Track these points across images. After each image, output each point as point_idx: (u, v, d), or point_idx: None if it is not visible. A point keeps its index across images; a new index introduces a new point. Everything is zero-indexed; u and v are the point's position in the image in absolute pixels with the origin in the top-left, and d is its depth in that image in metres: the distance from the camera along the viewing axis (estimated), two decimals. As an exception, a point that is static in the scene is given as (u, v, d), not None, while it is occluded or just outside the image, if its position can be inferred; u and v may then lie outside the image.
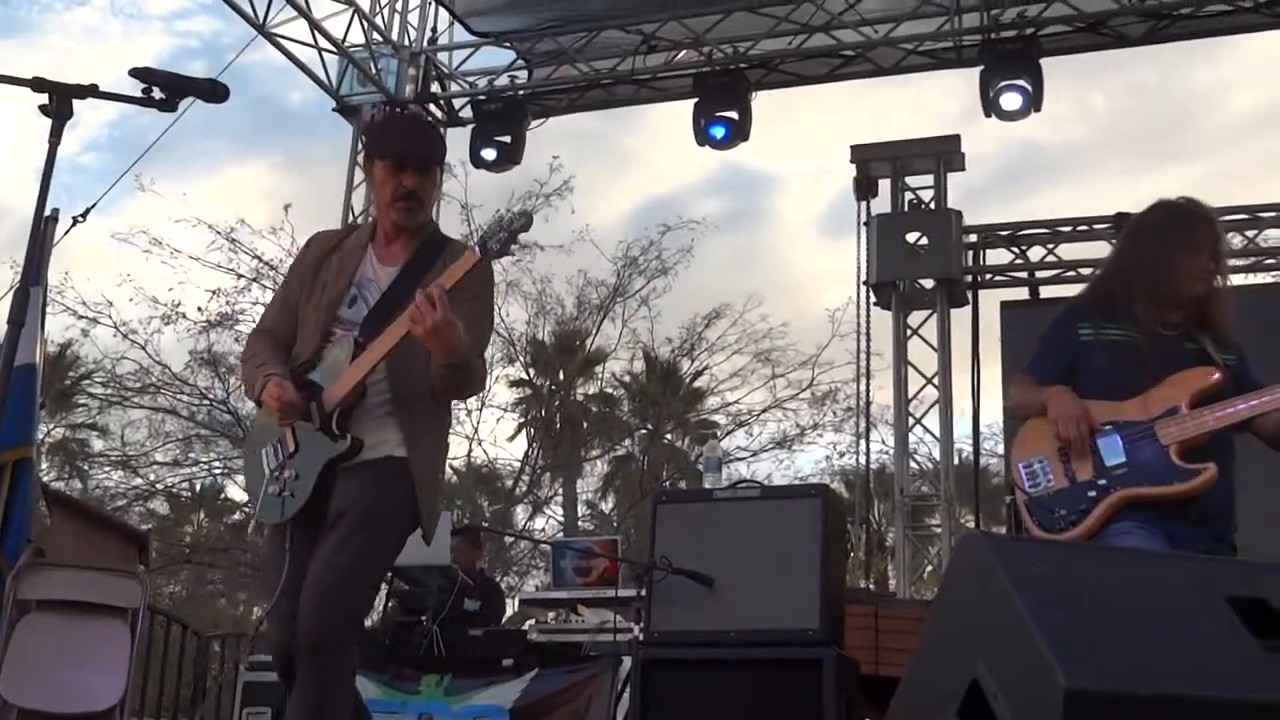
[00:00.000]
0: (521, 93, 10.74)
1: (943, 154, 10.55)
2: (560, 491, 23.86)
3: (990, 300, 10.51)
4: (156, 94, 3.20)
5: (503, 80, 10.89)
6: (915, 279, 10.56)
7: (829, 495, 4.75)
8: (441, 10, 10.75)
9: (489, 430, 22.02)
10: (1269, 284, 10.26)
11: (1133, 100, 30.91)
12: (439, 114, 10.93)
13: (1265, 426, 3.51)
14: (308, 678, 3.30)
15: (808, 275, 33.30)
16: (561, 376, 23.79)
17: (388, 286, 3.60)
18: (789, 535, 4.56)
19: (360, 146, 10.59)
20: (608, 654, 6.00)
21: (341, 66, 10.55)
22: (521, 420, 23.88)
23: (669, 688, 4.53)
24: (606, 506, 25.06)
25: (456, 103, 10.96)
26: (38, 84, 3.11)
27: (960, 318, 10.48)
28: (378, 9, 10.64)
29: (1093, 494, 3.48)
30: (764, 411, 22.55)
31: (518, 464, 22.65)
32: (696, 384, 24.06)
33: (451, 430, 3.95)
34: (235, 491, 23.48)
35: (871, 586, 10.59)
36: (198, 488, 23.62)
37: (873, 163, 10.64)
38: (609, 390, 24.82)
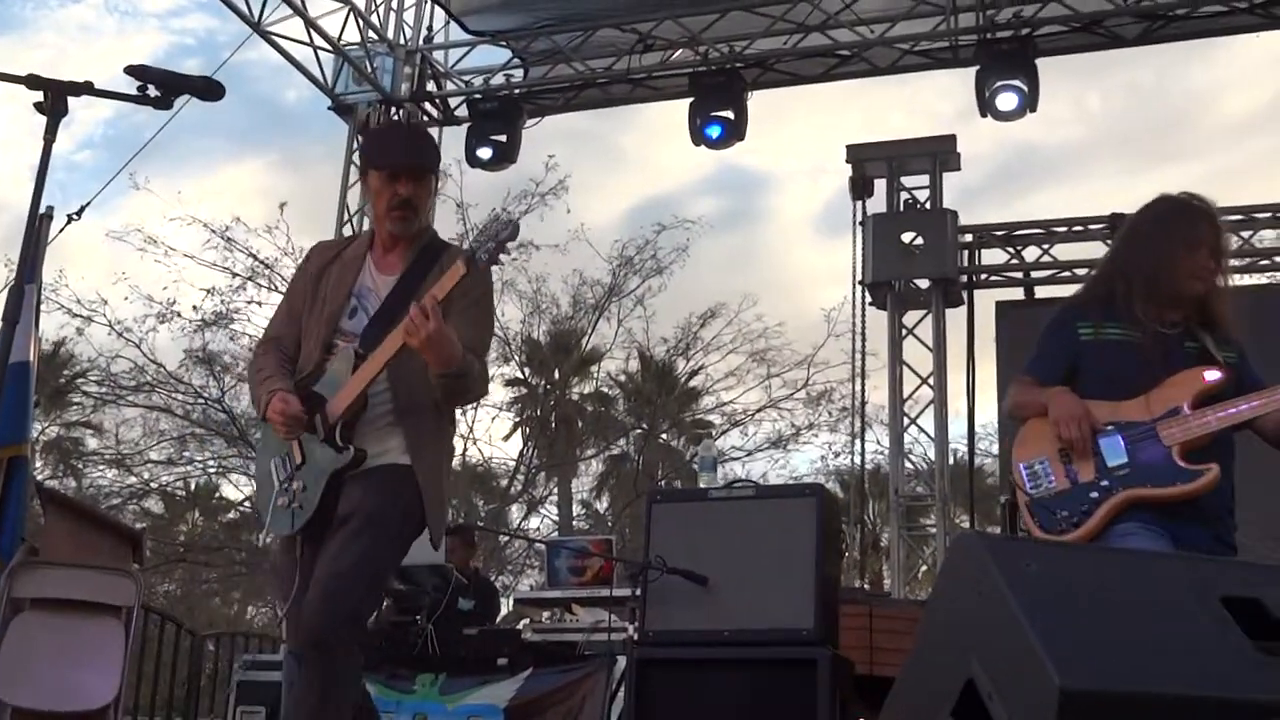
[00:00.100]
0: (517, 91, 10.73)
1: (938, 154, 10.56)
2: (555, 491, 23.89)
3: (985, 300, 10.54)
4: (152, 92, 3.19)
5: (498, 79, 10.88)
6: (910, 279, 10.57)
7: (824, 495, 4.75)
8: (437, 9, 10.75)
9: (484, 429, 22.06)
10: (1264, 285, 10.28)
11: (1128, 100, 31.01)
12: (434, 113, 10.94)
13: (1267, 426, 3.49)
14: (309, 676, 3.34)
15: (803, 275, 33.38)
16: (557, 376, 23.82)
17: (385, 297, 3.63)
18: (784, 535, 4.56)
19: (356, 151, 10.61)
20: (602, 653, 6.00)
21: (337, 65, 10.54)
22: (517, 419, 23.92)
23: (663, 687, 4.52)
24: (601, 506, 25.09)
25: (452, 101, 10.96)
26: (32, 81, 3.10)
27: (955, 318, 10.51)
28: (373, 7, 10.63)
29: (1095, 495, 3.45)
30: (759, 411, 22.59)
31: (513, 463, 22.68)
32: (692, 383, 24.11)
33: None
34: (230, 490, 23.49)
35: (866, 586, 10.58)
36: (192, 486, 23.65)
37: (868, 162, 10.65)
38: (604, 389, 24.86)
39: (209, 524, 24.81)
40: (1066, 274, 10.48)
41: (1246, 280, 10.18)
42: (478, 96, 10.71)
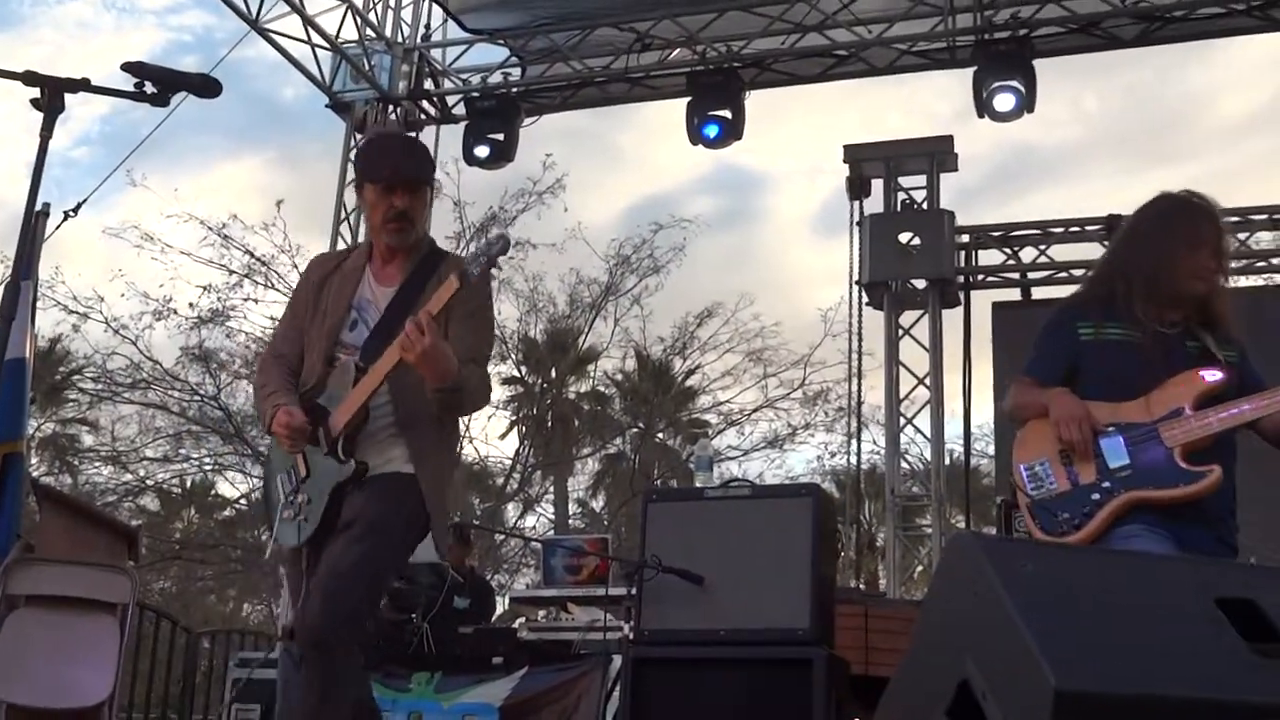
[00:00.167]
0: (515, 90, 10.72)
1: (936, 154, 10.56)
2: (551, 489, 23.90)
3: (982, 301, 10.56)
4: (149, 89, 3.19)
5: (496, 77, 10.86)
6: (907, 279, 10.58)
7: (820, 495, 4.75)
8: (435, 7, 10.74)
9: (480, 428, 22.01)
10: (1260, 287, 10.29)
11: (1126, 102, 31.01)
12: (432, 111, 10.93)
13: (1268, 427, 3.46)
14: (309, 676, 3.38)
15: (800, 275, 33.38)
16: (553, 374, 23.82)
17: (385, 309, 3.67)
18: (780, 535, 4.56)
19: (353, 151, 10.61)
20: (598, 652, 6.00)
21: (335, 63, 10.52)
22: (513, 418, 23.90)
23: (659, 686, 4.53)
24: (597, 505, 25.10)
25: (450, 100, 10.94)
26: (29, 78, 3.10)
27: (952, 318, 10.52)
28: (371, 5, 10.61)
29: (1096, 497, 3.42)
30: (755, 411, 22.62)
31: (509, 462, 22.69)
32: (688, 383, 24.13)
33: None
34: (225, 488, 23.49)
35: (862, 586, 10.56)
36: (188, 484, 23.63)
37: (866, 162, 10.66)
38: (601, 388, 24.85)
39: (205, 521, 24.79)
40: (1063, 275, 10.50)
41: (1243, 282, 10.19)
42: (475, 95, 10.69)
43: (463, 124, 10.62)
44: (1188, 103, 31.00)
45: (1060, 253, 10.51)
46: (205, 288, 19.30)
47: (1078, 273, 10.25)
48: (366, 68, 10.45)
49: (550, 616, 7.28)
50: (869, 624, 5.45)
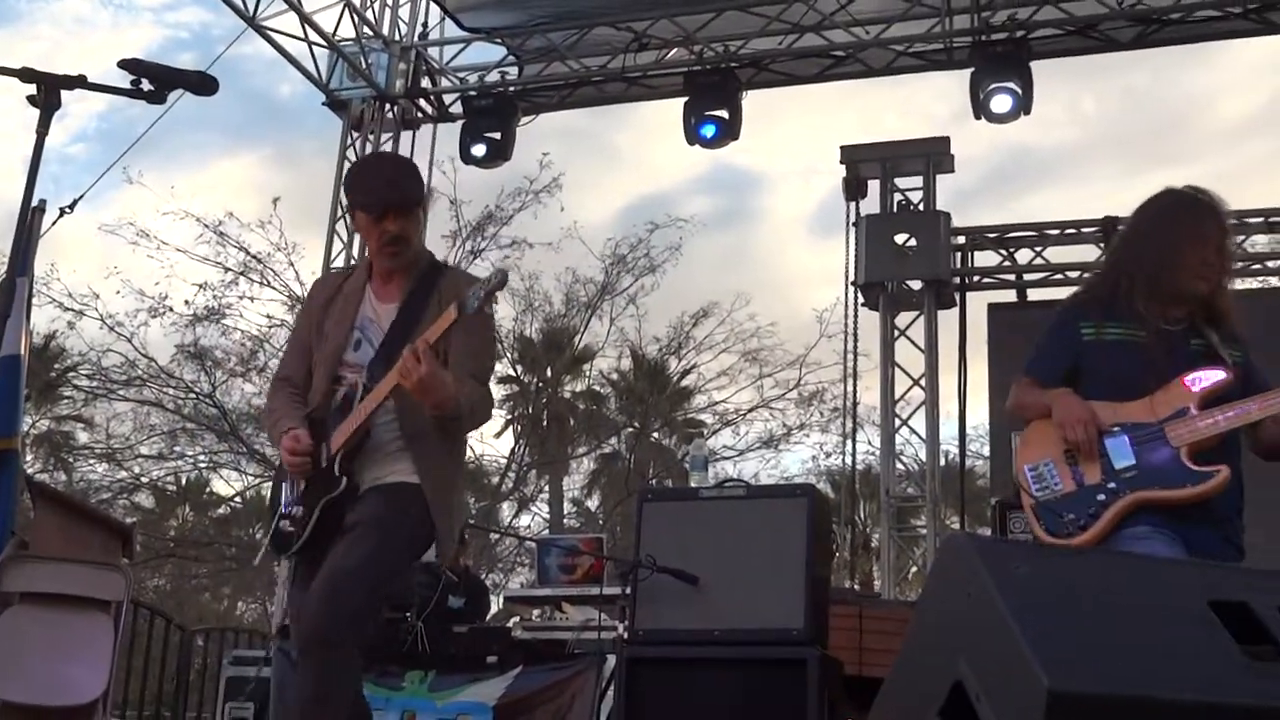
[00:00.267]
0: (512, 89, 10.72)
1: (932, 155, 10.57)
2: (546, 489, 23.88)
3: (978, 302, 10.57)
4: (145, 86, 3.19)
5: (493, 76, 10.86)
6: (903, 280, 10.58)
7: (815, 495, 4.75)
8: (432, 5, 10.73)
9: (476, 426, 21.93)
10: (1256, 289, 10.30)
11: (1123, 104, 31.03)
12: (429, 109, 10.93)
13: (1265, 435, 3.43)
14: (308, 672, 3.42)
15: (796, 275, 33.38)
16: (549, 374, 23.81)
17: (388, 329, 3.73)
18: (775, 535, 4.56)
19: (349, 148, 10.61)
20: (592, 652, 5.99)
21: (332, 60, 10.52)
22: (508, 417, 23.90)
23: (653, 686, 4.53)
24: (592, 504, 25.12)
25: (447, 98, 10.94)
26: (26, 74, 3.09)
27: (948, 319, 10.53)
28: (368, 3, 10.61)
29: (1102, 497, 3.39)
30: (751, 411, 22.64)
31: (504, 461, 22.68)
32: (684, 382, 24.12)
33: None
34: (221, 485, 23.50)
35: (856, 587, 10.58)
36: (183, 481, 23.62)
37: (862, 163, 10.66)
38: (596, 388, 24.85)
39: (199, 519, 24.79)
40: (1059, 277, 10.52)
41: (1239, 285, 10.20)
42: (472, 93, 10.69)
43: (460, 122, 10.62)
44: (1185, 105, 31.06)
45: (1056, 255, 10.53)
46: (201, 285, 19.32)
47: (1073, 275, 10.27)
48: (364, 66, 10.44)
49: (545, 616, 7.27)
50: (863, 624, 5.46)
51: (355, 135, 10.69)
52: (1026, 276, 10.66)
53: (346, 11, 10.24)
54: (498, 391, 23.32)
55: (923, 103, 32.35)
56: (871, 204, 10.62)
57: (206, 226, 19.18)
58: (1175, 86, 30.70)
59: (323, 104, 10.70)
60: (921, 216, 10.40)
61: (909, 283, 10.60)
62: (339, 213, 10.46)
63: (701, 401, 24.00)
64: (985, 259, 10.74)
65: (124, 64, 3.20)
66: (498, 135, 10.43)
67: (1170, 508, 3.35)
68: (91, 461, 22.25)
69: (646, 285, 21.84)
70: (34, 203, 3.44)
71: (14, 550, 4.83)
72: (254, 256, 19.37)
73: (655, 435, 24.57)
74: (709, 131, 9.84)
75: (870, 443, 14.61)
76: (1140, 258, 3.63)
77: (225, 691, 6.83)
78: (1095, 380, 3.57)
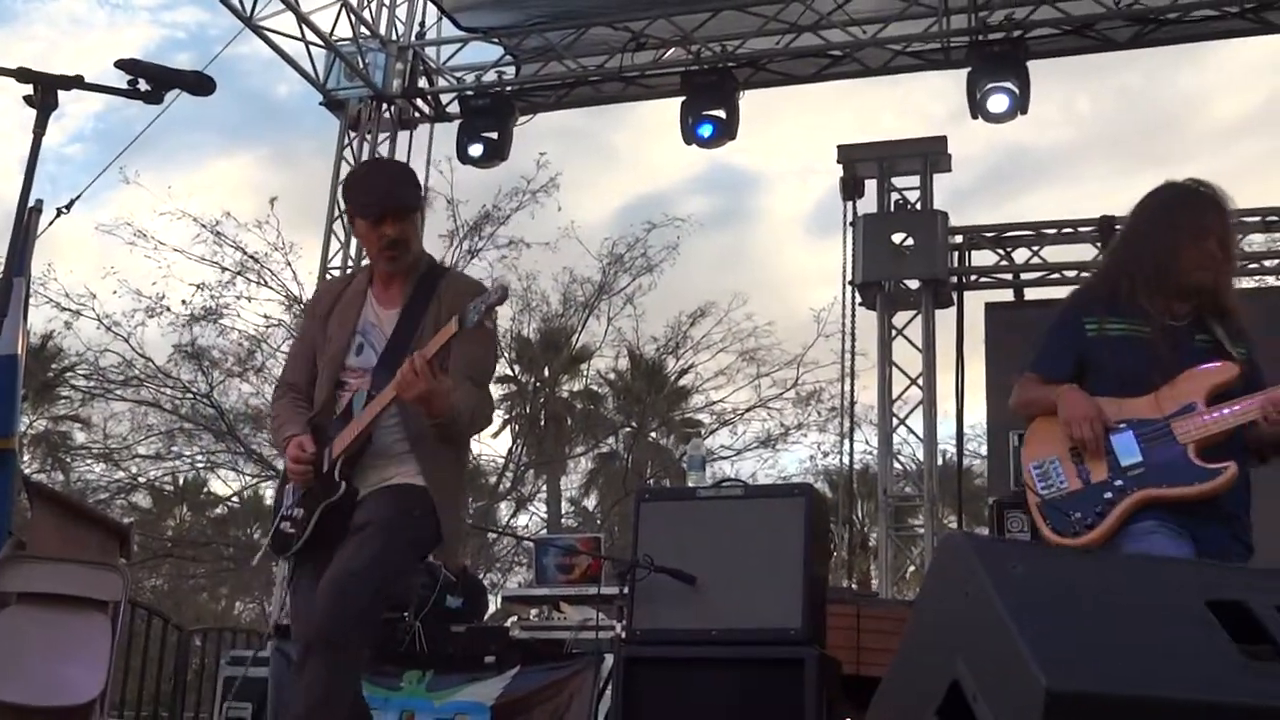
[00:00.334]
0: (509, 89, 10.71)
1: (929, 155, 10.56)
2: (544, 488, 23.87)
3: (975, 301, 10.56)
4: (142, 86, 3.18)
5: (490, 76, 10.85)
6: (900, 279, 10.57)
7: (813, 495, 4.75)
8: (429, 5, 10.72)
9: (474, 426, 21.89)
10: (1253, 289, 10.30)
11: (1119, 103, 31.03)
12: (426, 109, 10.92)
13: (1264, 430, 3.39)
14: (314, 672, 3.41)
15: (793, 274, 33.38)
16: (546, 373, 23.79)
17: (391, 334, 3.77)
18: (772, 534, 4.56)
19: (346, 148, 10.61)
20: (590, 652, 5.99)
21: (329, 60, 10.51)
22: (506, 417, 23.87)
23: (651, 686, 4.53)
24: (590, 504, 25.09)
25: (444, 98, 10.93)
26: (22, 74, 3.09)
27: (945, 319, 10.51)
28: (366, 3, 10.60)
29: (1109, 495, 3.37)
30: (748, 410, 22.63)
31: (501, 460, 22.66)
32: (681, 382, 24.10)
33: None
34: (218, 485, 23.49)
35: (854, 586, 10.58)
36: (180, 481, 23.58)
37: (859, 163, 10.65)
38: (594, 387, 24.84)
39: (197, 519, 24.76)
40: (1056, 276, 10.51)
41: (1236, 284, 10.18)
42: (469, 93, 10.69)
43: (457, 122, 10.61)
44: (1181, 105, 31.07)
45: (1053, 254, 10.52)
46: (198, 285, 19.30)
47: (1070, 274, 10.27)
48: (361, 65, 10.44)
49: (542, 615, 7.27)
50: (861, 624, 5.47)
51: (352, 135, 10.69)
52: (1023, 276, 10.65)
53: (343, 11, 10.24)
54: (495, 391, 23.30)
55: (920, 102, 32.40)
56: (869, 203, 10.61)
57: (204, 226, 19.19)
58: (1171, 86, 30.71)
59: (320, 104, 10.70)
60: (918, 216, 10.40)
61: (906, 282, 10.59)
62: (336, 212, 10.45)
63: (699, 401, 24.03)
64: (982, 258, 10.73)
65: (121, 64, 3.20)
66: (495, 135, 10.42)
67: (1178, 505, 3.32)
68: (89, 461, 22.25)
69: (644, 285, 21.86)
70: (31, 203, 3.44)
71: (11, 550, 4.83)
72: (251, 256, 19.37)
73: (653, 435, 24.56)
74: (706, 131, 9.84)
75: (868, 442, 14.64)
76: (1142, 253, 3.60)
77: (223, 691, 6.81)
78: (1100, 376, 3.55)
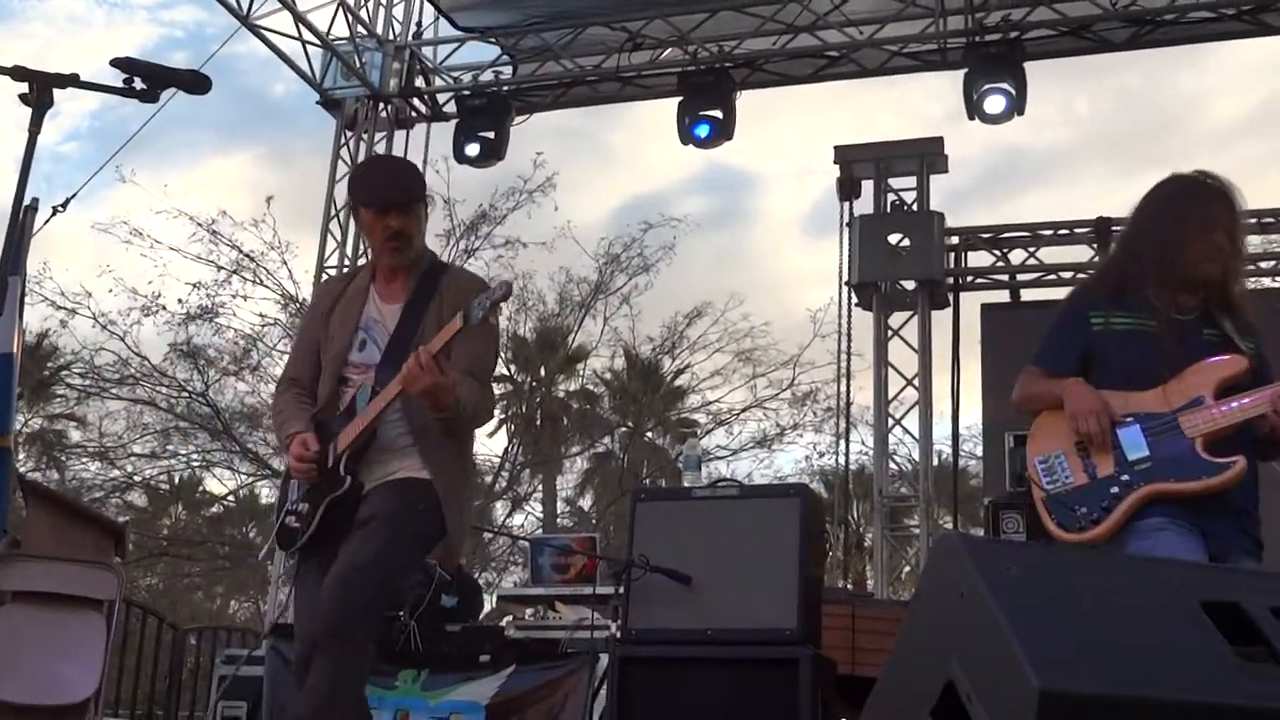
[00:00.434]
0: (506, 88, 10.71)
1: (926, 156, 10.57)
2: (540, 488, 23.86)
3: (971, 302, 10.56)
4: (138, 84, 3.18)
5: (487, 76, 10.85)
6: (897, 280, 10.58)
7: (808, 495, 4.74)
8: (426, 5, 10.71)
9: (470, 425, 21.88)
10: (1250, 290, 10.30)
11: (1117, 105, 31.06)
12: (422, 109, 10.91)
13: (1274, 424, 3.34)
14: (322, 666, 3.41)
15: (790, 275, 33.38)
16: (542, 373, 23.77)
17: (394, 330, 3.79)
18: (768, 534, 4.55)
19: (343, 147, 10.61)
20: (585, 651, 5.99)
21: (325, 60, 10.51)
22: (502, 416, 23.85)
23: (646, 685, 4.52)
24: (586, 504, 25.06)
25: (440, 98, 10.93)
26: (18, 72, 3.09)
27: (941, 319, 10.51)
28: (362, 2, 10.59)
29: (1115, 490, 3.33)
30: (744, 411, 22.62)
31: (497, 460, 22.64)
32: (677, 382, 24.09)
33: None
34: (213, 484, 23.46)
35: (849, 586, 10.59)
36: (176, 480, 23.56)
37: (856, 163, 10.66)
38: (590, 387, 24.83)
39: (192, 518, 24.75)
40: (1052, 277, 10.52)
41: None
42: (466, 93, 10.69)
43: (453, 122, 10.61)
44: (1178, 106, 31.10)
45: (1049, 255, 10.53)
46: (194, 284, 19.29)
47: (1066, 275, 10.28)
48: (357, 65, 10.44)
49: (538, 615, 7.27)
50: (856, 624, 5.46)
51: (349, 134, 10.69)
52: (1020, 277, 10.65)
53: (340, 10, 10.23)
54: (491, 391, 23.27)
55: (916, 103, 32.43)
56: (865, 204, 10.62)
57: (200, 225, 19.17)
58: (1168, 88, 30.75)
59: (316, 103, 10.70)
60: (915, 217, 10.40)
61: (902, 283, 10.59)
62: (332, 211, 10.45)
63: (695, 401, 24.02)
64: (979, 259, 10.73)
65: (117, 62, 3.19)
66: (491, 135, 10.41)
67: (1186, 499, 3.29)
68: (84, 460, 22.25)
69: (640, 285, 21.86)
70: (26, 201, 3.44)
71: (6, 549, 4.82)
72: (247, 255, 19.36)
73: (649, 435, 24.57)
74: (703, 131, 9.85)
75: (863, 442, 14.67)
76: (1148, 245, 3.56)
77: (218, 690, 6.81)
78: (1106, 370, 3.51)
